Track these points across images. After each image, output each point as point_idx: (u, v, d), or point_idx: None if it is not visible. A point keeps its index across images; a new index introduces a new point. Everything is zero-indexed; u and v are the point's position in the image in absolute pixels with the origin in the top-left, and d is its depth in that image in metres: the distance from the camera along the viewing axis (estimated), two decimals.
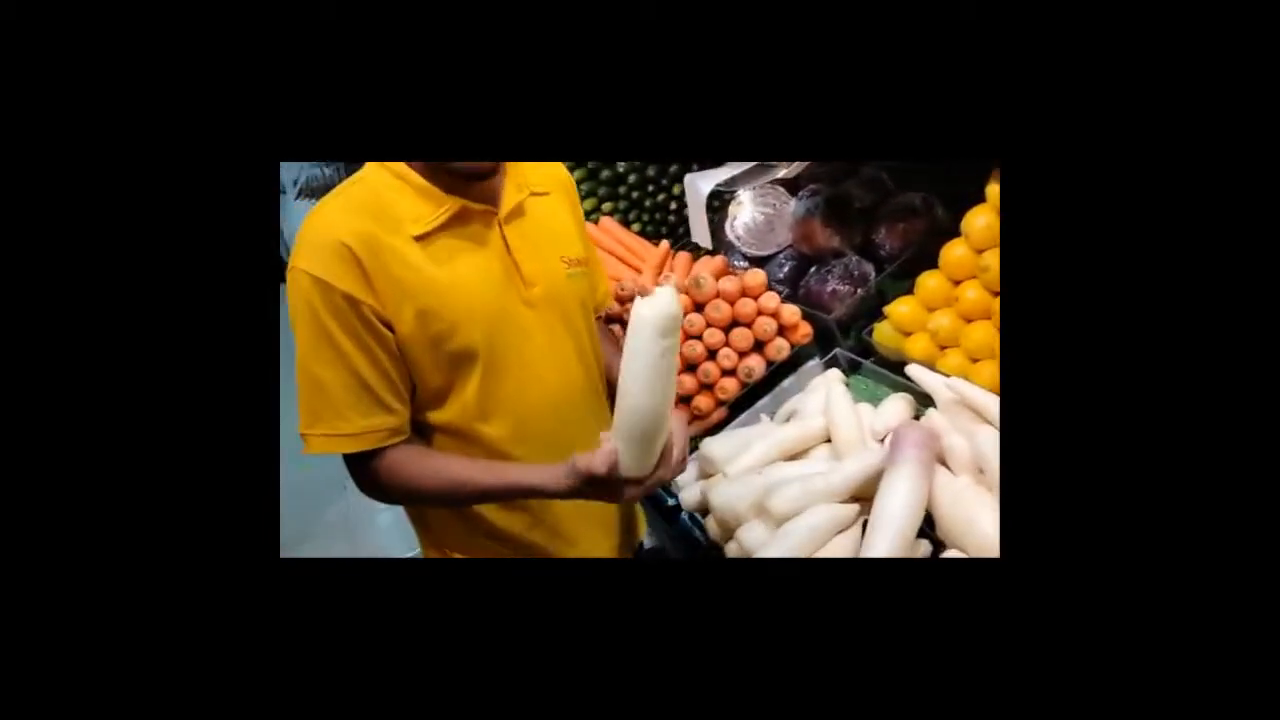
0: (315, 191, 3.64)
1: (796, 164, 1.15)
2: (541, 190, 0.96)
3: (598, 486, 0.81)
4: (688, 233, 1.68)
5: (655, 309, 0.77)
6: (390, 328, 0.82)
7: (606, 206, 1.70)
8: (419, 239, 0.82)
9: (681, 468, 0.89)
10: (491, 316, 0.87)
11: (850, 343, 1.28)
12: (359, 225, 0.80)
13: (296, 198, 3.94)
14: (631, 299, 1.29)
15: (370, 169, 0.85)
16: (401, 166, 0.84)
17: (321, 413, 0.82)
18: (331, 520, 2.63)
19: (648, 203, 1.72)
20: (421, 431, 0.91)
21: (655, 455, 0.83)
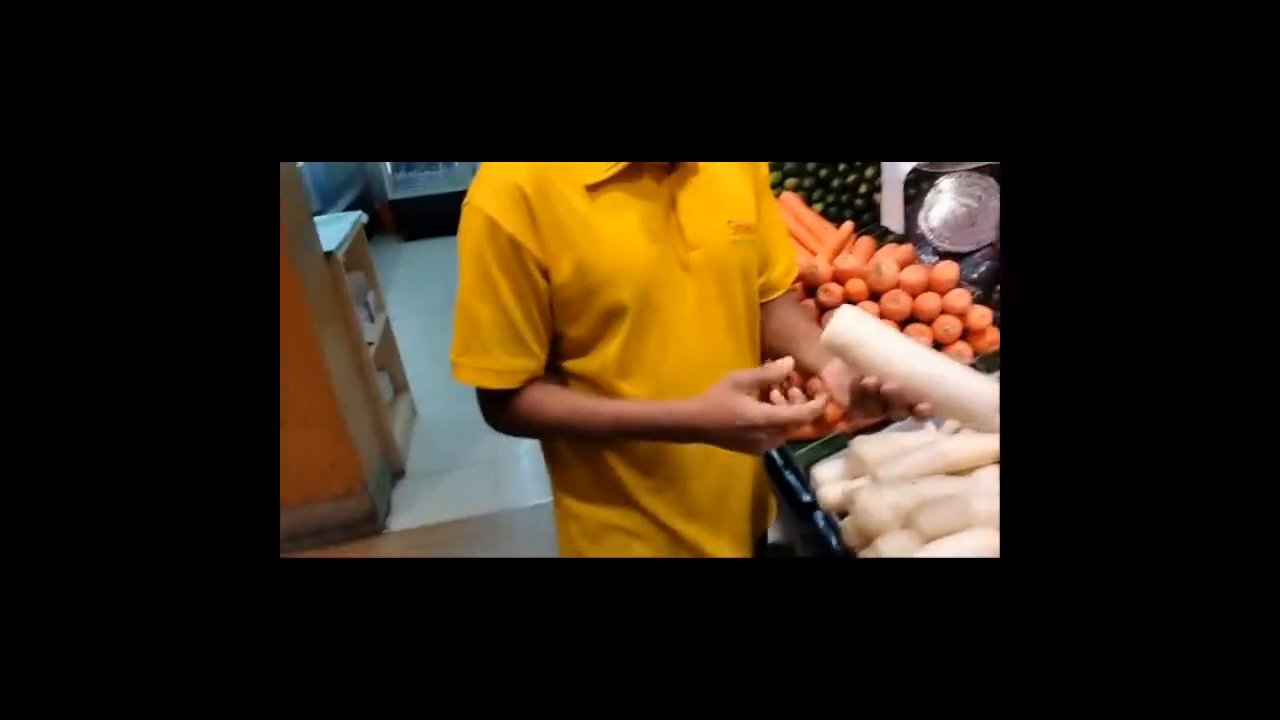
0: None
1: None
2: None
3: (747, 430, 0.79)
4: (875, 218, 1.56)
5: (829, 332, 0.79)
6: (547, 276, 0.84)
7: (790, 183, 1.62)
8: (590, 188, 0.82)
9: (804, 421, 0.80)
10: (646, 275, 0.85)
11: None
12: (534, 171, 0.81)
13: None
14: (802, 277, 1.22)
15: None
16: None
17: (471, 345, 0.86)
18: (480, 457, 2.81)
19: (835, 182, 1.61)
20: (561, 380, 0.92)
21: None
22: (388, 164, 6.07)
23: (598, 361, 0.89)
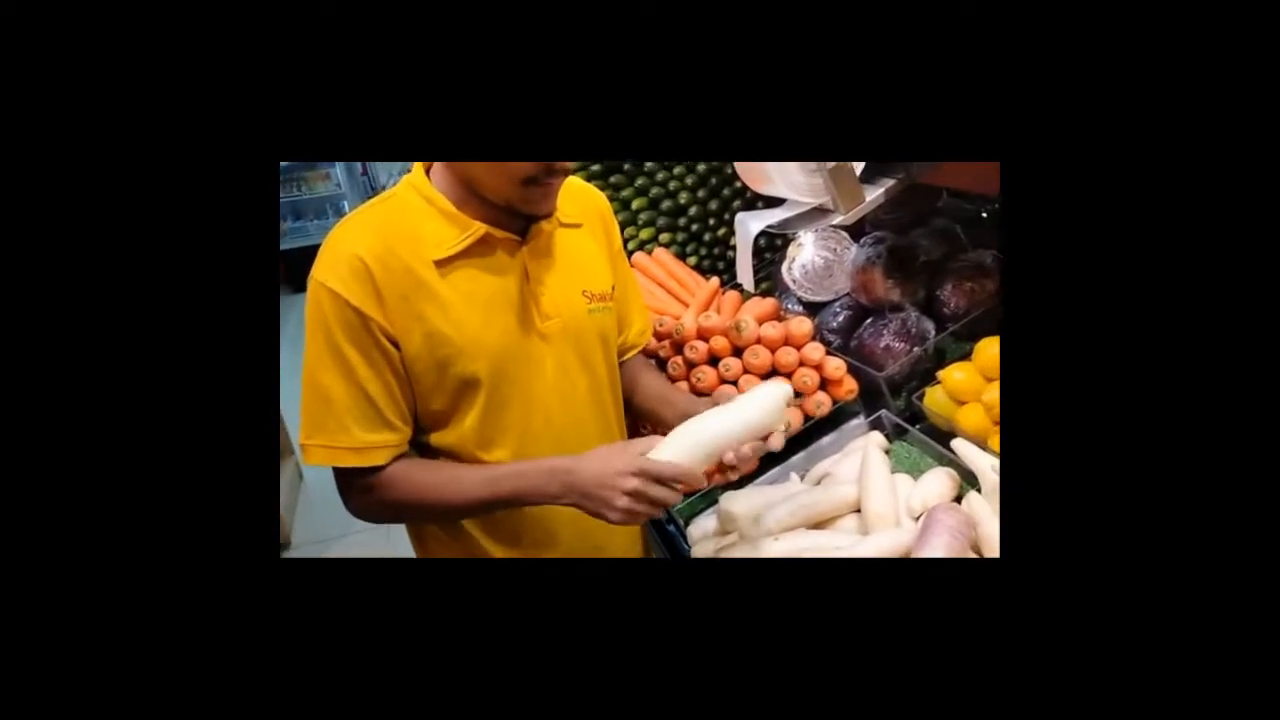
0: None
1: (857, 209, 1.08)
2: (573, 222, 0.93)
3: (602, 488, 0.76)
4: None
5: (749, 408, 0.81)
6: (397, 346, 0.81)
7: (664, 238, 1.66)
8: (439, 263, 0.81)
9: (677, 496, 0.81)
10: (500, 346, 0.84)
11: (900, 404, 1.18)
12: (378, 243, 0.80)
13: None
14: (669, 335, 1.24)
15: (402, 189, 0.85)
16: (433, 191, 0.83)
17: (324, 423, 0.82)
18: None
19: (707, 236, 1.67)
20: (424, 454, 0.90)
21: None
22: None
23: (456, 433, 0.87)
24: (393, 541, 2.57)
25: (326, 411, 0.81)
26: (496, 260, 0.85)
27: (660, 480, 0.76)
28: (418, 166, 0.86)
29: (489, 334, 0.84)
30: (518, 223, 0.85)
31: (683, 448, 0.78)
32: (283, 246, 5.84)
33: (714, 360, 1.20)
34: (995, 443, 1.00)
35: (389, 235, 0.81)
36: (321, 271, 0.80)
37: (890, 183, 1.07)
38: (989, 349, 1.05)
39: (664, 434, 0.82)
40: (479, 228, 0.82)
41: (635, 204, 1.67)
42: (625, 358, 1.04)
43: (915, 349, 1.21)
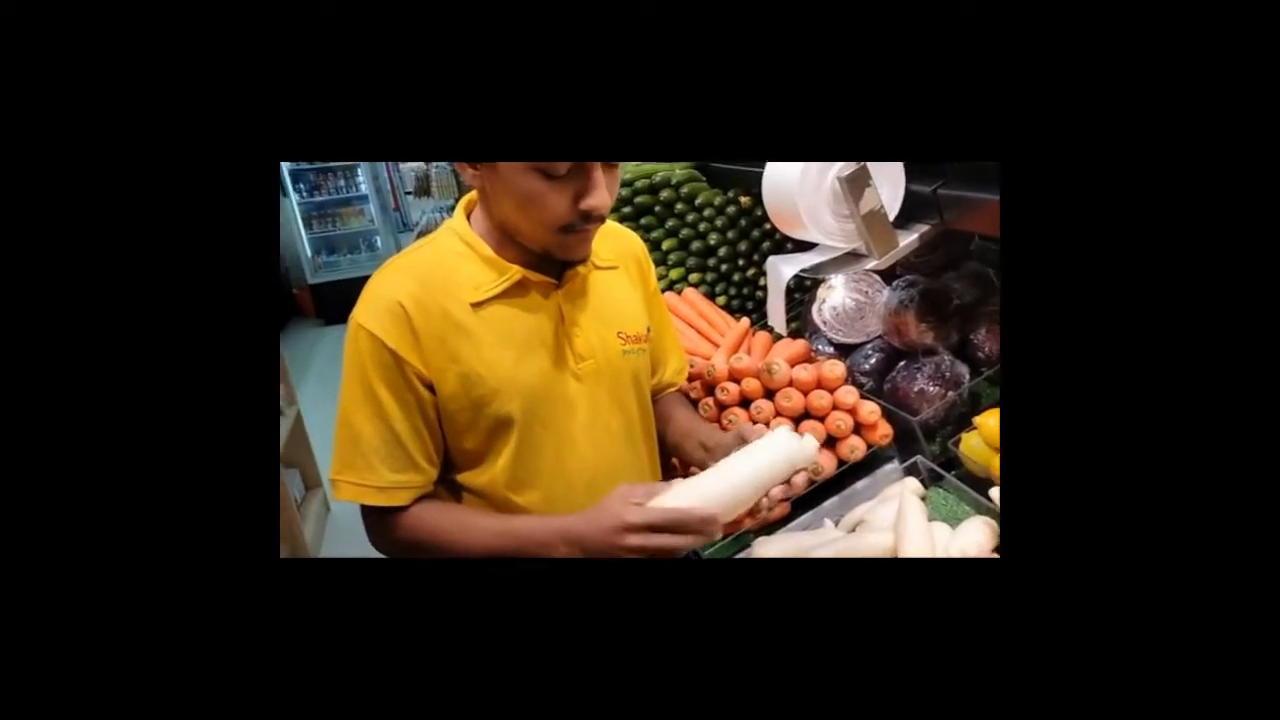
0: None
1: (890, 255, 1.08)
2: (608, 264, 0.95)
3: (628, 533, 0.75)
4: None
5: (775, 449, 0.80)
6: (432, 389, 0.83)
7: (694, 278, 1.67)
8: (475, 305, 0.83)
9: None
10: (534, 388, 0.85)
11: (935, 449, 1.17)
12: (417, 288, 0.82)
13: (416, 238, 4.20)
14: (700, 376, 1.24)
15: (443, 234, 0.88)
16: (473, 235, 0.85)
17: (353, 461, 0.84)
18: None
19: (736, 276, 1.68)
20: (453, 493, 0.90)
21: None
22: (308, 248, 5.98)
23: (488, 474, 0.87)
24: None
25: (355, 450, 0.83)
26: (532, 302, 0.86)
27: (659, 529, 0.74)
28: (460, 211, 0.88)
29: (523, 374, 0.85)
30: (554, 266, 0.87)
31: (698, 492, 0.77)
32: (316, 280, 5.98)
33: (745, 402, 1.19)
34: None
35: (428, 279, 0.83)
36: (362, 314, 0.82)
37: (924, 228, 1.07)
38: None
39: (690, 471, 0.82)
40: (516, 271, 0.84)
41: (665, 245, 1.69)
42: (660, 397, 1.05)
43: (950, 393, 1.19)
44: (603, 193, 0.77)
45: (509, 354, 0.84)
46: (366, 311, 0.82)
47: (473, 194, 0.89)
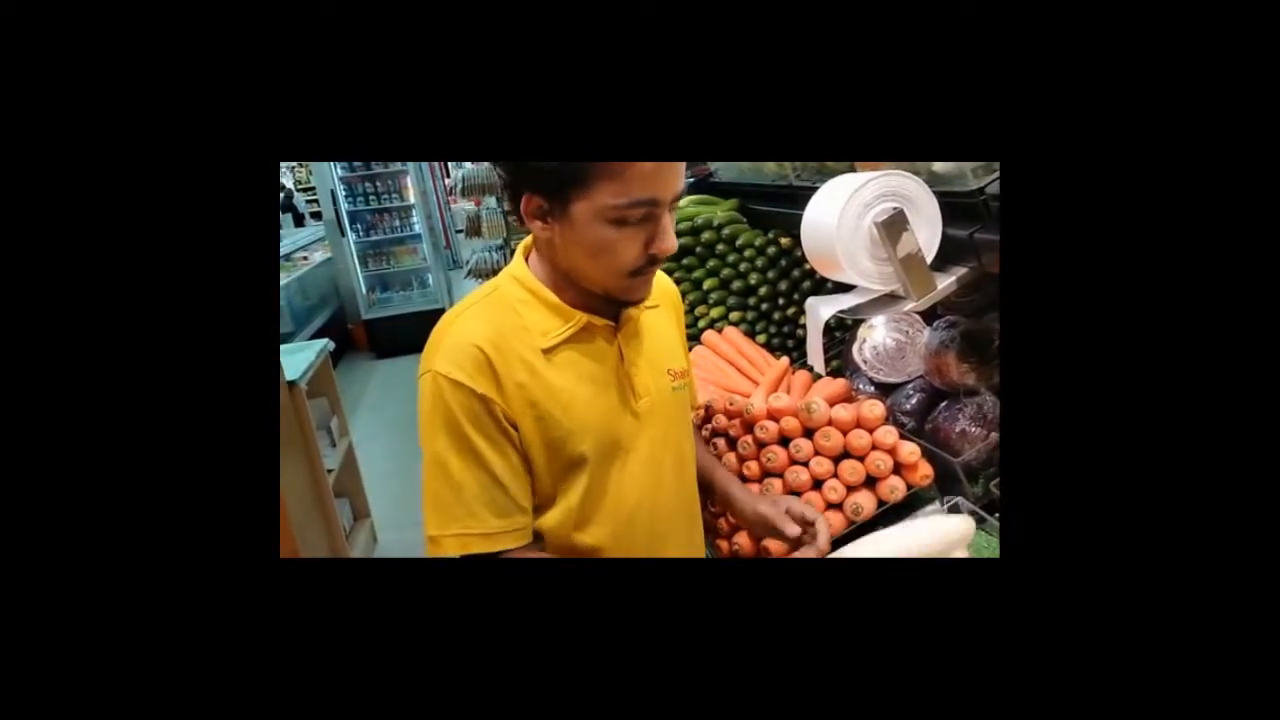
0: (481, 272, 3.97)
1: (929, 297, 1.09)
2: (653, 304, 0.98)
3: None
4: None
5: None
6: (516, 429, 0.85)
7: (734, 316, 1.70)
8: (545, 351, 0.86)
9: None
10: (603, 426, 0.89)
11: (977, 490, 1.16)
12: (493, 333, 0.84)
13: (466, 276, 4.34)
14: (739, 414, 1.26)
15: (505, 281, 0.91)
16: (535, 282, 0.88)
17: (454, 512, 0.83)
18: None
19: (776, 315, 1.70)
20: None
21: None
22: (363, 285, 6.22)
23: (558, 515, 0.89)
24: None
25: (457, 500, 0.82)
26: (596, 346, 0.89)
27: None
28: (519, 257, 0.92)
29: (593, 415, 0.87)
30: (611, 308, 0.90)
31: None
32: (369, 316, 6.20)
33: (784, 440, 1.20)
34: None
35: (501, 326, 0.85)
36: (441, 363, 0.83)
37: (962, 271, 1.08)
38: None
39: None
40: (581, 317, 0.87)
41: (707, 284, 1.73)
42: None
43: (993, 434, 1.18)
44: (671, 236, 0.80)
45: (580, 396, 0.87)
46: (447, 361, 0.82)
47: (529, 239, 0.92)
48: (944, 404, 1.28)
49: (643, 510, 0.92)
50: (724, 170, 2.08)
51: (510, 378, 0.83)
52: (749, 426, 1.24)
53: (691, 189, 2.21)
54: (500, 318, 0.87)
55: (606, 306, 0.89)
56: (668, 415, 0.95)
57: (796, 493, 1.18)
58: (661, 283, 1.04)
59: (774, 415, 1.21)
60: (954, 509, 1.13)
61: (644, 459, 0.92)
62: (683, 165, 0.79)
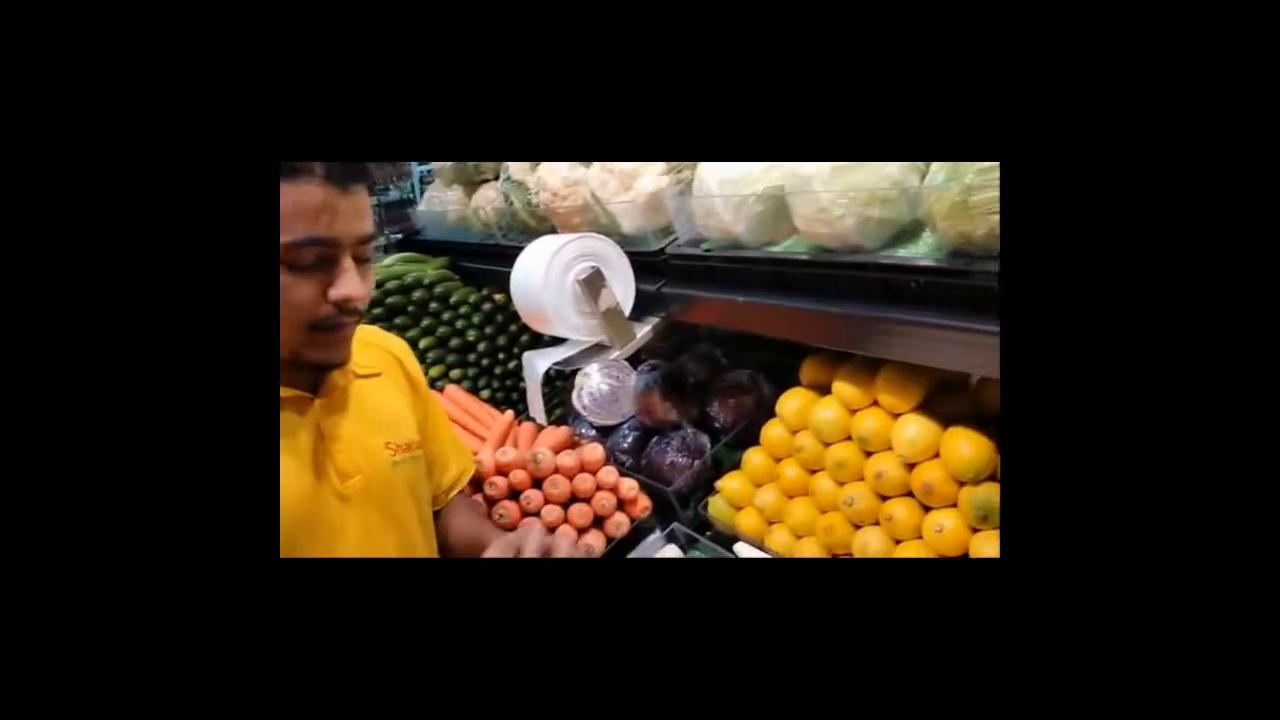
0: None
1: (629, 345, 1.21)
2: (371, 371, 0.91)
3: None
4: None
5: None
6: None
7: (455, 374, 1.69)
8: None
9: None
10: (293, 514, 0.79)
11: (689, 514, 1.29)
12: None
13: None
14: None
15: None
16: None
17: None
18: None
19: (498, 370, 1.72)
20: None
21: None
22: None
23: None
24: None
25: None
26: (287, 421, 0.79)
27: None
28: None
29: (285, 498, 0.77)
30: (307, 377, 0.81)
31: None
32: None
33: (515, 494, 1.22)
34: (772, 542, 1.13)
35: None
36: None
37: (655, 320, 1.22)
38: (753, 458, 1.20)
39: None
40: None
41: (423, 344, 1.69)
42: (441, 505, 1.03)
43: (696, 462, 1.34)
44: (353, 281, 0.72)
45: None
46: None
47: None
48: (655, 439, 1.42)
49: None
50: (431, 228, 2.07)
51: None
52: (477, 485, 1.24)
53: (399, 246, 2.15)
54: None
55: (302, 375, 0.81)
56: (388, 494, 0.88)
57: None
58: (387, 346, 0.98)
59: (502, 470, 1.22)
60: (671, 535, 1.25)
61: (355, 547, 0.84)
62: (366, 205, 0.74)
